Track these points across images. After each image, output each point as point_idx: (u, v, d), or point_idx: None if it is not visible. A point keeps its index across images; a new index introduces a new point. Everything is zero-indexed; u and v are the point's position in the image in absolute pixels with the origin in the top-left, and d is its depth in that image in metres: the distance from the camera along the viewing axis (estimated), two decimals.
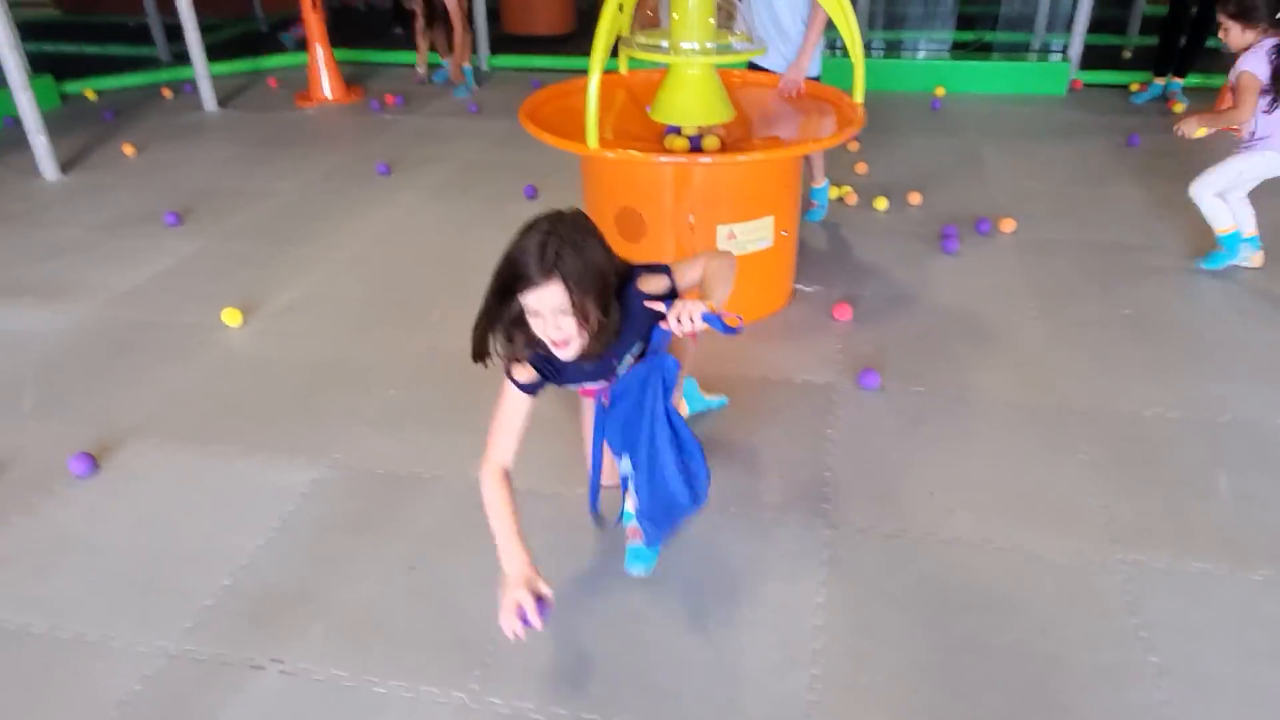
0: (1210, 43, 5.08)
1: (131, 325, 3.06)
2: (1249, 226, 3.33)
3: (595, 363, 1.65)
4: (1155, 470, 2.31)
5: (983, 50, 6.41)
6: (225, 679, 1.74)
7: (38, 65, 5.67)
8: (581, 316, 1.51)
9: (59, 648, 1.82)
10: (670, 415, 1.73)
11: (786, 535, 2.10)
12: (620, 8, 2.82)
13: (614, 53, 2.95)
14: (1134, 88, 5.70)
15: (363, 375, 2.75)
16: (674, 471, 1.75)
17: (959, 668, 1.77)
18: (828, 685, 1.73)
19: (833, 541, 2.08)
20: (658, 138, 3.09)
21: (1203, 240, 3.63)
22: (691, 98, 2.95)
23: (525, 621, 1.50)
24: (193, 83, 5.69)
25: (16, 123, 4.47)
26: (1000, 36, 6.95)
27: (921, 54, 6.32)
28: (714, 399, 2.54)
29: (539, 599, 1.52)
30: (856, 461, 2.36)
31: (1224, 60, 4.96)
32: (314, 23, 5.65)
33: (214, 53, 5.79)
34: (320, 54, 5.70)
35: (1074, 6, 5.86)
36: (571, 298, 1.49)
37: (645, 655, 1.79)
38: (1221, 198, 3.29)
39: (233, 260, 3.54)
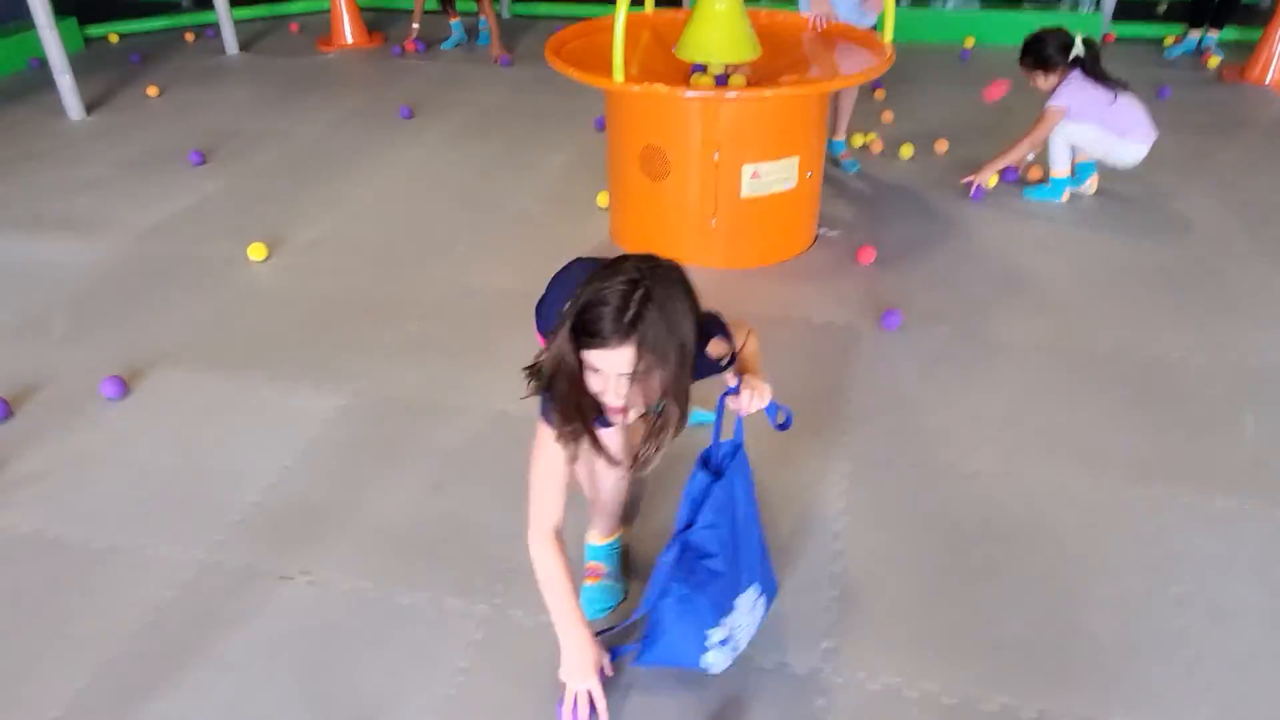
0: None
1: (158, 258, 3.09)
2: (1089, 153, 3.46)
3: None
4: (1181, 410, 2.30)
5: (1013, 1, 6.28)
6: (255, 588, 1.78)
7: (61, 8, 5.64)
8: (646, 390, 1.33)
9: (95, 556, 1.86)
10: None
11: (805, 467, 2.10)
12: None
13: None
14: (1168, 41, 5.57)
15: (385, 309, 2.77)
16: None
17: (978, 594, 1.78)
18: (846, 607, 1.74)
19: (851, 473, 2.09)
20: (684, 77, 3.06)
21: (1232, 190, 3.58)
22: (718, 35, 2.91)
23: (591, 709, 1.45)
24: (215, 27, 5.67)
25: (42, 65, 4.50)
26: None
27: (951, 4, 6.20)
28: (706, 413, 1.87)
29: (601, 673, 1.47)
30: (877, 398, 2.36)
31: (1261, 15, 4.86)
32: None
33: None
34: None
35: None
36: (638, 365, 1.28)
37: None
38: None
39: (256, 198, 3.56)
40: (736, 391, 1.46)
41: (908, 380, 2.43)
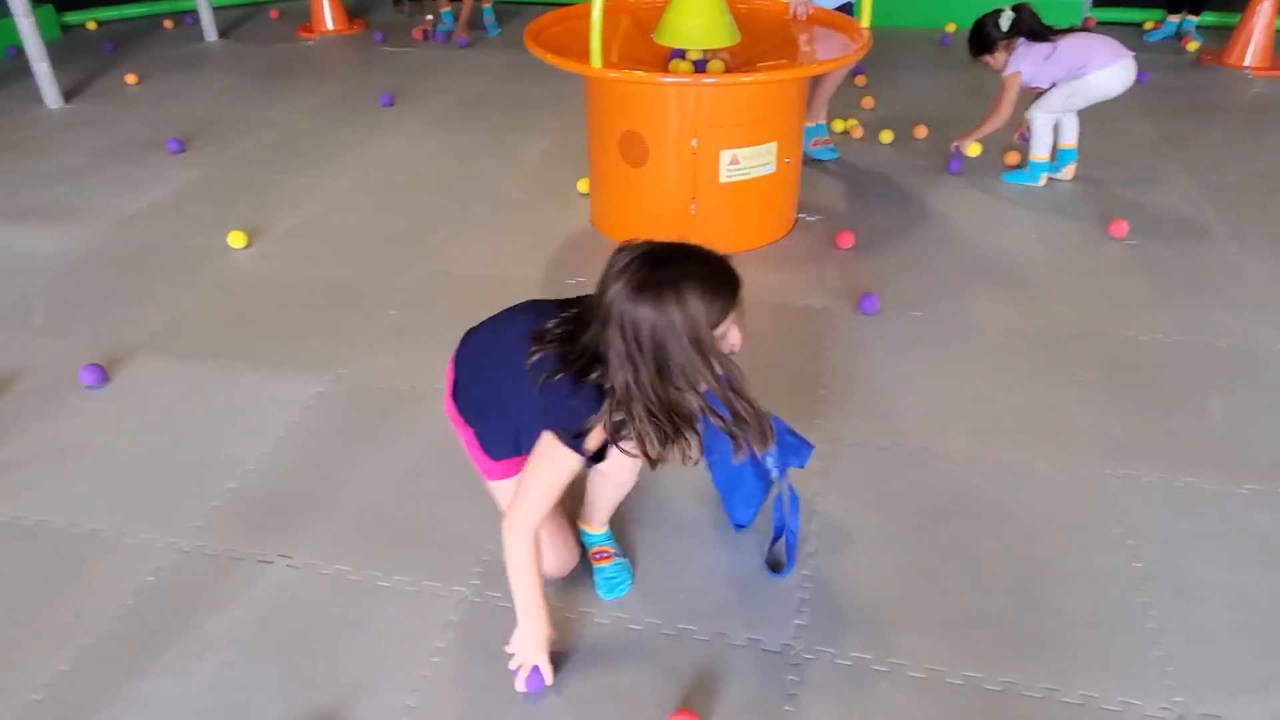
0: None
1: (137, 247, 3.08)
2: (1070, 139, 3.48)
3: None
4: (1150, 391, 2.34)
5: None
6: (235, 572, 1.80)
7: None
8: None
9: (75, 542, 1.87)
10: None
11: None
12: None
13: None
14: (1147, 26, 5.61)
15: (366, 296, 2.78)
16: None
17: (947, 571, 1.81)
18: (819, 585, 1.77)
19: (826, 454, 2.12)
20: (662, 63, 3.07)
21: (1207, 173, 3.62)
22: (697, 21, 2.93)
23: (538, 683, 1.54)
24: (194, 14, 5.64)
25: (19, 53, 4.46)
26: None
27: None
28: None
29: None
30: (852, 380, 2.39)
31: None
32: None
33: None
34: None
35: None
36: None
37: (642, 558, 1.84)
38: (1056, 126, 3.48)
39: (236, 186, 3.55)
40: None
41: (883, 363, 2.46)
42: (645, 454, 1.38)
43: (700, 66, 3.00)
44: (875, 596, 1.76)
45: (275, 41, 5.56)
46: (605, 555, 1.79)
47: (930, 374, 2.41)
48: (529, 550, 1.50)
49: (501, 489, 1.66)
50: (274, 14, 6.09)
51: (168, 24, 5.84)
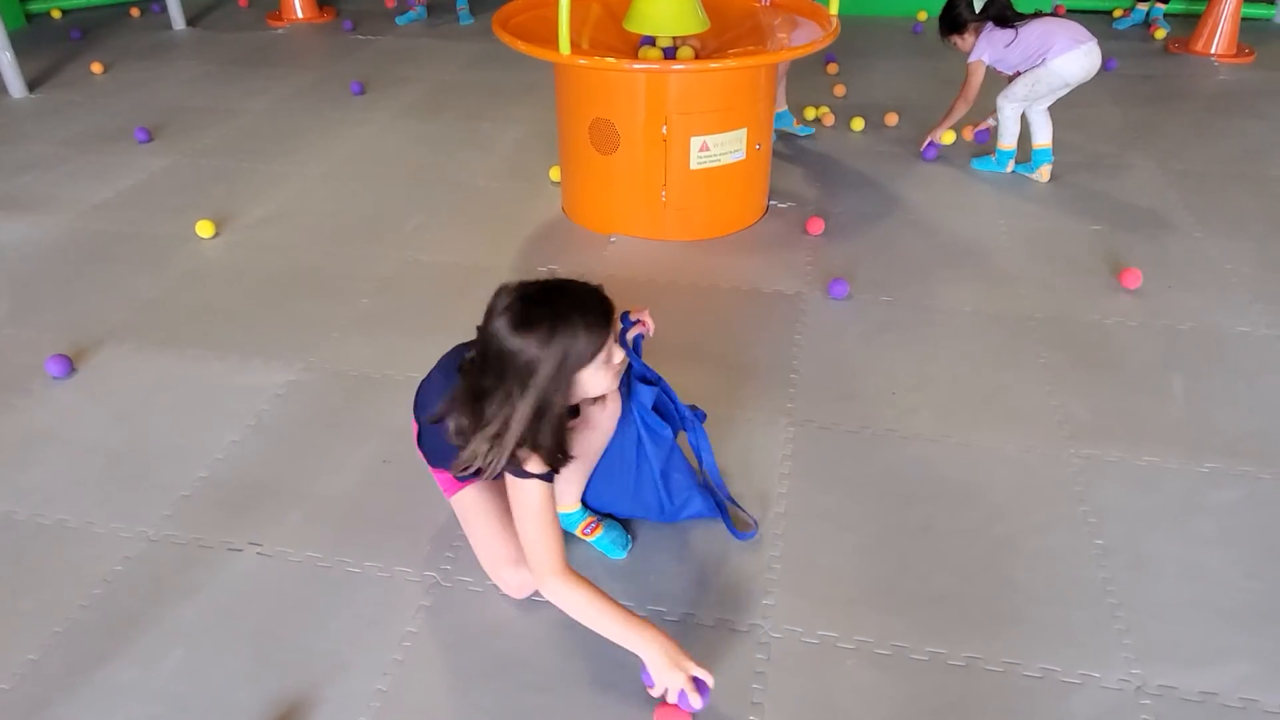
0: None
1: (104, 236, 3.05)
2: (1044, 139, 3.47)
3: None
4: (1113, 373, 2.38)
5: None
6: (204, 560, 1.80)
7: None
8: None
9: (42, 532, 1.86)
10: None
11: (751, 432, 2.15)
12: None
13: None
14: (1117, 13, 5.66)
15: (337, 284, 2.77)
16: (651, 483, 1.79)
17: (913, 550, 1.84)
18: (787, 565, 1.80)
19: (796, 438, 2.14)
20: (633, 50, 3.07)
21: (1173, 159, 3.67)
22: (666, 8, 2.93)
23: (704, 689, 1.42)
24: (161, 2, 5.56)
25: None
26: None
27: None
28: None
29: (696, 681, 1.42)
30: (822, 365, 2.41)
31: None
32: None
33: None
34: None
35: None
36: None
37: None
38: (1025, 115, 3.48)
39: (204, 175, 3.52)
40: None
41: (852, 347, 2.49)
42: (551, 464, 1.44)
43: (670, 53, 3.00)
44: (842, 576, 1.78)
45: (244, 30, 5.50)
46: (594, 525, 1.82)
47: (898, 358, 2.44)
48: (576, 587, 1.46)
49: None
50: (243, 2, 6.02)
51: (134, 12, 5.76)
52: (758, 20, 3.32)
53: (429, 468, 1.76)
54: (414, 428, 1.73)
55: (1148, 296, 2.72)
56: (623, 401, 1.70)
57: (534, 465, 1.44)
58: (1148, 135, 3.90)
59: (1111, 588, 1.76)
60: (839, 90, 4.37)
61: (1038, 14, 3.36)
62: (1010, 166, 3.52)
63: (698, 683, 1.42)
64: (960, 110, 3.50)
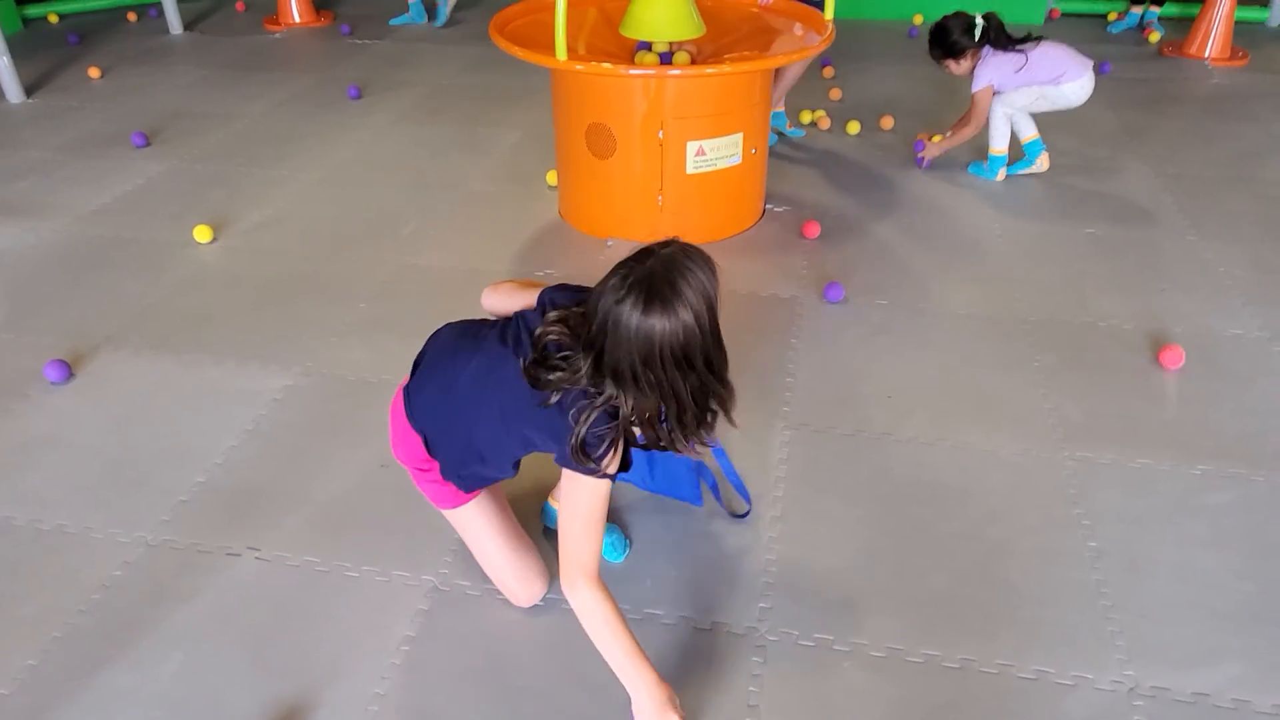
0: None
1: (102, 242, 3.06)
2: (1031, 132, 3.51)
3: None
4: (1107, 376, 2.39)
5: None
6: (203, 565, 1.80)
7: None
8: None
9: (41, 537, 1.87)
10: None
11: (747, 435, 2.16)
12: None
13: None
14: (1111, 17, 5.69)
15: (334, 289, 2.78)
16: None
17: (908, 552, 1.85)
18: (782, 569, 1.81)
19: (792, 441, 2.15)
20: (629, 55, 3.08)
21: (1166, 162, 3.69)
22: (662, 13, 2.94)
23: None
24: (158, 6, 5.56)
25: None
26: None
27: None
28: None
29: None
30: (818, 368, 2.42)
31: None
32: None
33: None
34: None
35: None
36: None
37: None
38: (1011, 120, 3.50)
39: (202, 180, 3.53)
40: None
41: (848, 351, 2.50)
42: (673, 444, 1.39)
43: (666, 58, 3.02)
44: (838, 579, 1.79)
45: (241, 34, 5.50)
46: None
47: (894, 361, 2.45)
48: (602, 601, 1.39)
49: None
50: (240, 6, 6.02)
51: (131, 17, 5.76)
52: (753, 25, 3.33)
53: (424, 480, 1.64)
54: (416, 440, 1.61)
55: (1141, 299, 2.73)
56: None
57: (609, 463, 1.37)
58: (1142, 138, 3.92)
59: (1105, 589, 1.77)
60: (835, 94, 4.39)
61: (1029, 37, 3.33)
62: (1002, 174, 3.52)
63: None
64: (968, 134, 3.46)
